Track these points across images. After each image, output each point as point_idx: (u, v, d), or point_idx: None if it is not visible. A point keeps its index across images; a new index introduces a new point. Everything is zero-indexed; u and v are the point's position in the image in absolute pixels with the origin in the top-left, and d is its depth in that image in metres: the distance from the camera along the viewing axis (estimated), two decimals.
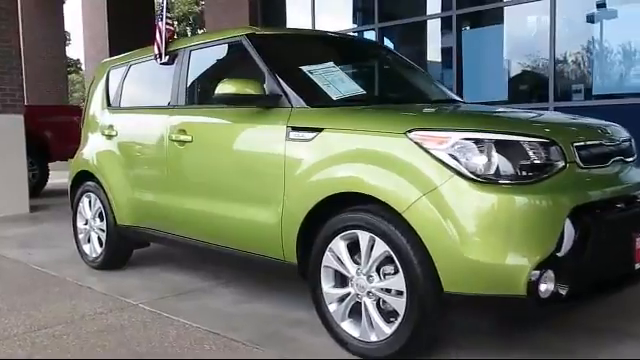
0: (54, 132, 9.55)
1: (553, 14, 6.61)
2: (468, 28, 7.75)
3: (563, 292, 2.24)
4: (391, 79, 3.49)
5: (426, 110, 3.03)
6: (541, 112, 3.05)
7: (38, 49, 14.95)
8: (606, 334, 2.84)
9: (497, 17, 7.52)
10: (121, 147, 4.10)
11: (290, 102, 2.95)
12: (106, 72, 4.55)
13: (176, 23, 30.02)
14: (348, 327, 2.63)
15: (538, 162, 2.30)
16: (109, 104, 4.40)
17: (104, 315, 3.29)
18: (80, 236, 4.51)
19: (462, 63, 7.59)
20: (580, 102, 6.61)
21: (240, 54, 3.38)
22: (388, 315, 2.50)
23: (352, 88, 3.11)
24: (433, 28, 8.17)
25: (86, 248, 4.45)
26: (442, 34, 8.07)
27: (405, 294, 2.38)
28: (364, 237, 2.51)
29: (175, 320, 3.16)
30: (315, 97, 2.98)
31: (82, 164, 4.47)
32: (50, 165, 9.75)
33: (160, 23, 3.90)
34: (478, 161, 2.28)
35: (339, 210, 2.63)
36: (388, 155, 2.45)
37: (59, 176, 10.86)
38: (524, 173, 2.28)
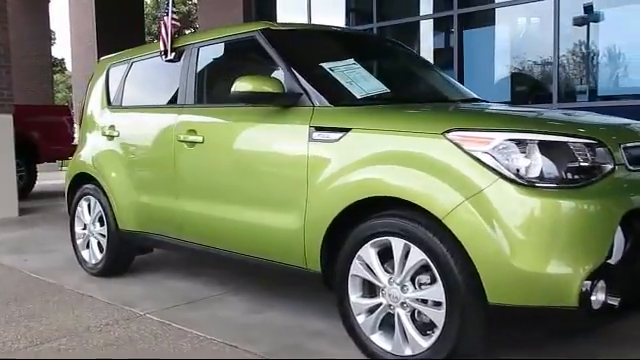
0: (42, 133, 9.30)
1: (557, 13, 6.52)
2: (469, 28, 7.63)
3: (615, 303, 2.11)
4: (411, 77, 3.35)
5: (461, 109, 2.88)
6: (577, 112, 2.92)
7: (23, 48, 14.60)
8: None
9: (499, 17, 7.42)
10: (123, 148, 3.90)
11: (311, 101, 2.78)
12: (105, 70, 4.34)
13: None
14: (379, 340, 2.47)
15: (586, 164, 2.16)
16: (109, 103, 4.20)
17: (110, 326, 3.09)
18: (78, 241, 4.30)
19: (463, 63, 7.48)
20: (585, 103, 6.52)
21: (254, 50, 3.21)
22: (424, 327, 2.35)
23: (376, 86, 2.95)
24: (434, 28, 8.06)
25: (85, 254, 4.24)
26: (443, 34, 7.95)
27: (444, 305, 2.23)
28: (398, 244, 2.36)
29: (187, 332, 2.98)
30: (338, 96, 2.82)
31: (81, 166, 4.26)
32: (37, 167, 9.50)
33: (165, 18, 3.71)
34: (524, 163, 2.13)
35: (368, 216, 2.47)
36: (424, 157, 2.30)
37: (47, 178, 10.62)
38: (572, 176, 2.14)
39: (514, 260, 2.06)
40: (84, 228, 4.27)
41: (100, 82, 4.35)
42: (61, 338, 2.94)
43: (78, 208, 4.28)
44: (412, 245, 2.31)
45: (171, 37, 3.68)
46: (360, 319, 2.52)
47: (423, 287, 2.33)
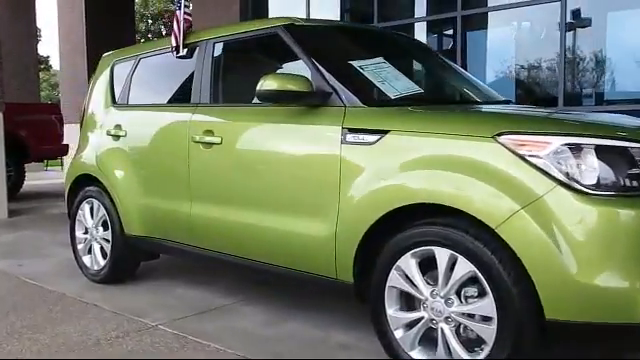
0: (31, 131, 9.00)
1: (564, 16, 6.43)
2: (473, 29, 7.54)
3: None
4: (438, 78, 3.20)
5: (509, 111, 2.72)
6: (618, 115, 2.79)
7: (9, 46, 14.23)
8: None
9: (504, 19, 7.33)
10: (131, 149, 3.70)
11: (342, 100, 2.62)
12: (110, 67, 4.14)
13: (150, 22, 29.32)
14: (419, 356, 2.31)
15: None
16: (114, 101, 3.99)
17: (121, 339, 2.90)
18: (79, 246, 4.08)
19: (467, 65, 7.37)
20: (591, 107, 6.44)
21: (275, 47, 3.05)
22: (470, 343, 2.20)
23: (409, 86, 2.80)
24: (437, 29, 7.94)
25: (86, 260, 4.03)
26: (446, 35, 7.84)
27: (495, 320, 2.08)
28: (442, 255, 2.20)
29: (205, 345, 2.80)
30: (371, 95, 2.67)
31: (83, 167, 4.05)
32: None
33: (178, 12, 3.53)
34: (584, 169, 1.99)
35: (408, 224, 2.32)
36: (473, 161, 2.15)
37: (32, 178, 10.32)
38: (635, 183, 2.00)
39: (576, 273, 1.92)
40: (85, 232, 4.06)
41: (104, 79, 4.14)
42: (69, 353, 2.74)
43: (79, 211, 4.06)
44: (459, 256, 2.15)
45: (183, 32, 3.49)
46: (398, 334, 2.36)
47: (470, 301, 2.18)
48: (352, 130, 2.51)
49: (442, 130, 2.27)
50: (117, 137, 3.80)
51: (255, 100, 3.02)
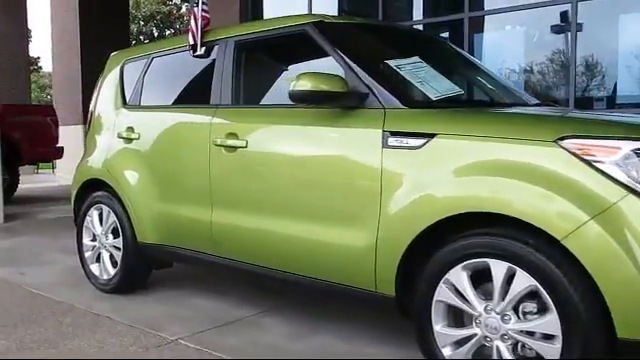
0: (25, 133, 8.75)
1: (575, 17, 6.34)
2: (480, 31, 7.43)
3: None
4: (471, 79, 3.06)
5: (569, 114, 2.58)
6: None
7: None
8: None
9: (513, 20, 7.23)
10: (145, 152, 3.51)
11: (380, 102, 2.47)
12: (119, 66, 3.95)
13: (142, 23, 29.01)
14: None
15: None
16: (125, 103, 3.81)
17: (141, 356, 2.72)
18: (86, 254, 3.89)
19: None
20: (602, 110, 6.34)
21: (303, 45, 2.90)
22: None
23: (449, 87, 2.65)
24: (444, 31, 7.83)
25: (94, 268, 3.84)
26: (454, 37, 7.72)
27: (559, 339, 1.93)
28: (499, 268, 2.05)
29: None
30: (411, 97, 2.52)
31: (91, 171, 3.86)
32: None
33: (195, 9, 3.35)
34: None
35: (457, 234, 2.17)
36: (533, 167, 2.01)
37: (23, 181, 10.05)
38: None
39: None
40: (93, 239, 3.87)
41: (113, 79, 3.95)
42: None
43: (87, 218, 3.87)
44: (518, 269, 2.00)
45: (201, 30, 3.32)
46: (446, 352, 2.21)
47: (529, 317, 2.03)
48: (394, 133, 2.35)
49: (497, 134, 2.12)
50: (129, 140, 3.62)
51: (281, 101, 2.88)
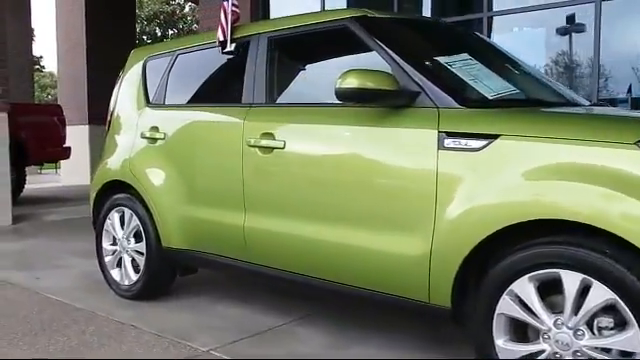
0: (31, 133, 8.60)
1: (598, 18, 6.20)
2: (499, 31, 7.29)
3: None
4: (521, 78, 2.90)
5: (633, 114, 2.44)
6: None
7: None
8: None
9: (532, 20, 7.09)
10: (171, 153, 3.35)
11: (433, 101, 2.32)
12: (141, 63, 3.80)
13: (145, 23, 28.85)
14: None
15: None
16: (148, 101, 3.65)
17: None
18: (106, 259, 3.74)
19: None
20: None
21: (343, 41, 2.76)
22: None
23: (504, 85, 2.50)
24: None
25: (115, 274, 3.69)
26: None
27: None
28: (572, 279, 1.90)
29: None
30: (466, 95, 2.37)
31: (112, 173, 3.70)
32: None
33: (225, 4, 3.20)
34: None
35: (523, 242, 2.02)
36: (610, 171, 1.86)
37: (31, 181, 9.89)
38: None
39: None
40: (113, 243, 3.72)
41: (135, 77, 3.80)
42: None
43: (107, 221, 3.72)
44: (594, 281, 1.86)
45: (231, 26, 3.18)
46: None
47: (605, 332, 1.88)
48: (451, 134, 2.21)
49: (568, 135, 1.97)
50: (154, 140, 3.46)
51: (318, 100, 2.74)
